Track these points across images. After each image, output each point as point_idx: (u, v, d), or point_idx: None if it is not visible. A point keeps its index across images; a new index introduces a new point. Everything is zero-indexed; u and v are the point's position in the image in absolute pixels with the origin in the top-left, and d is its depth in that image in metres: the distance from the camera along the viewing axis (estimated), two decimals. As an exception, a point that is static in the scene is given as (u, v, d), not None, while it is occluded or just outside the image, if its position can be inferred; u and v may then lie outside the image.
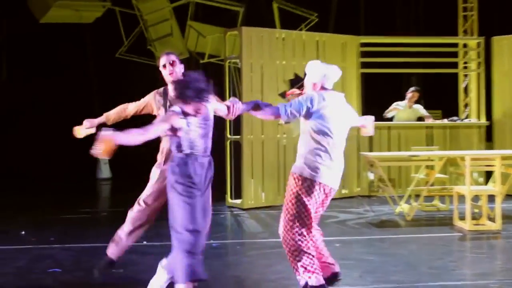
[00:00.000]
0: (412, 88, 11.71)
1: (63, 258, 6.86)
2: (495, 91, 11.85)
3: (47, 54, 14.28)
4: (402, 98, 11.68)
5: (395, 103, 11.59)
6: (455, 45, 12.44)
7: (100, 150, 4.44)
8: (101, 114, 5.92)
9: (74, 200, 10.99)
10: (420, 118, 11.80)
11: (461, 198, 8.90)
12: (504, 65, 11.69)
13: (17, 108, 14.33)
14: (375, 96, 14.14)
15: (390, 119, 11.64)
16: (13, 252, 7.16)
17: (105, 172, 14.09)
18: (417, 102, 11.72)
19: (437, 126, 11.71)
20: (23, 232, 8.15)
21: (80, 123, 5.85)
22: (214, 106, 5.07)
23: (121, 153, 14.84)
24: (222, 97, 10.37)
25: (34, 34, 13.90)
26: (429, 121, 11.64)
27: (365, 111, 12.14)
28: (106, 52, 14.04)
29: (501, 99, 11.74)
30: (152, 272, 5.59)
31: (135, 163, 13.73)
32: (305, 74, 11.08)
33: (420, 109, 11.73)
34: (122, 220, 5.87)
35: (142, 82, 15.16)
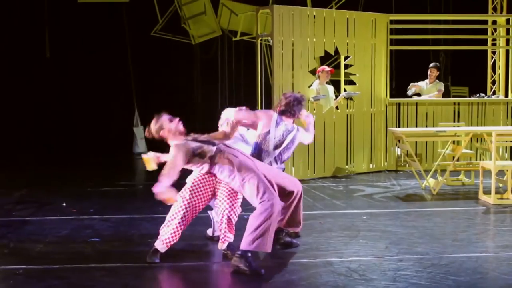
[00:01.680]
0: (430, 65, 11.68)
1: (102, 229, 7.03)
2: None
3: (86, 33, 14.44)
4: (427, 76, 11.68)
5: (412, 83, 11.65)
6: (484, 22, 12.30)
7: None
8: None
9: (112, 174, 11.16)
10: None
11: (486, 173, 8.90)
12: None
13: (60, 84, 14.55)
14: (404, 72, 14.06)
15: (417, 95, 11.62)
16: (56, 222, 7.35)
17: (141, 146, 14.25)
18: (439, 78, 11.69)
19: (464, 102, 11.65)
20: (64, 204, 8.33)
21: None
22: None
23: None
24: (254, 74, 10.47)
25: (73, 14, 14.07)
26: (431, 97, 11.54)
27: (394, 87, 12.16)
28: (142, 31, 14.15)
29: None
30: (185, 241, 5.71)
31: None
32: (335, 51, 11.12)
33: (441, 86, 11.69)
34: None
35: (176, 59, 15.30)
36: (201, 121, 15.37)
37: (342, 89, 11.03)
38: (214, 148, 5.66)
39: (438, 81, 11.68)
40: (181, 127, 5.82)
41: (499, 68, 12.16)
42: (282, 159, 6.19)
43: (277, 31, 10.01)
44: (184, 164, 5.62)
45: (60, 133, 14.35)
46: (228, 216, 5.70)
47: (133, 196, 9.27)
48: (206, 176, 5.80)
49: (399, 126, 11.21)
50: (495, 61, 12.36)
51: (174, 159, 5.55)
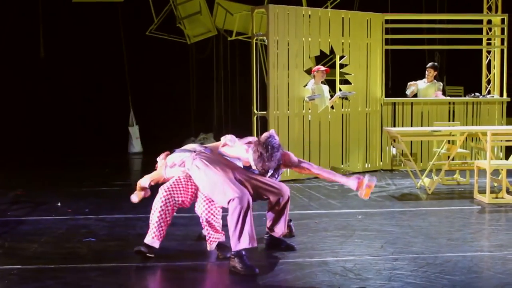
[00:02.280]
0: (428, 65, 11.71)
1: (97, 228, 7.02)
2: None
3: (81, 33, 14.42)
4: (423, 75, 11.69)
5: (410, 83, 11.68)
6: (479, 21, 12.32)
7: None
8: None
9: (107, 173, 11.16)
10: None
11: (481, 172, 8.92)
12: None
13: (55, 84, 14.52)
14: (400, 72, 14.08)
15: (415, 96, 11.64)
16: (51, 222, 7.34)
17: (136, 146, 14.25)
18: (436, 78, 11.71)
19: (459, 101, 11.67)
20: (59, 204, 8.32)
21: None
22: None
23: (151, 129, 14.98)
24: (249, 73, 10.47)
25: (68, 13, 14.03)
26: (439, 97, 11.59)
27: (390, 87, 12.17)
28: (137, 30, 14.13)
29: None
30: (179, 241, 5.73)
31: (164, 138, 13.92)
32: (330, 51, 11.13)
33: (439, 86, 11.72)
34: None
35: (171, 58, 15.28)
36: (196, 120, 15.39)
37: (337, 89, 11.04)
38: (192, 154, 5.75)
39: (435, 81, 11.69)
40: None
41: (494, 68, 12.18)
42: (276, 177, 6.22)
43: (273, 30, 10.01)
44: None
45: (55, 133, 14.32)
46: (207, 219, 5.77)
47: (129, 195, 9.22)
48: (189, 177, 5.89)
49: (394, 126, 11.22)
50: (490, 60, 12.38)
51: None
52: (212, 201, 5.80)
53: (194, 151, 5.87)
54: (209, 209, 5.81)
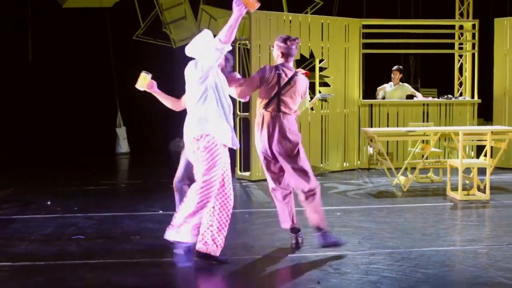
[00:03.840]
0: (393, 68, 11.73)
1: (86, 226, 6.99)
2: (496, 70, 11.68)
3: (69, 37, 14.31)
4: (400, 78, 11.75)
5: (378, 87, 11.74)
6: (451, 27, 12.41)
7: None
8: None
9: (95, 173, 11.11)
10: (411, 96, 11.83)
11: (454, 170, 8.98)
12: (505, 45, 11.48)
13: (43, 87, 14.40)
14: (376, 75, 14.13)
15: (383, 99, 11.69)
16: (40, 220, 7.29)
17: (123, 147, 14.19)
18: (401, 80, 11.75)
19: (433, 103, 11.74)
20: (49, 202, 8.27)
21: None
22: None
23: (138, 130, 14.88)
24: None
25: (56, 18, 13.91)
26: (420, 98, 11.69)
27: (365, 89, 12.22)
28: (124, 35, 14.06)
29: (501, 78, 11.58)
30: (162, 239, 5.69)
31: (151, 138, 13.88)
32: (310, 55, 11.15)
33: (408, 88, 11.76)
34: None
35: (157, 62, 15.23)
36: (181, 121, 15.33)
37: (317, 91, 11.06)
38: None
39: (401, 83, 11.74)
40: None
41: (466, 71, 12.28)
42: None
43: (255, 35, 10.02)
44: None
45: (44, 134, 14.20)
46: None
47: (116, 194, 9.23)
48: None
49: (371, 126, 11.28)
50: (462, 64, 12.47)
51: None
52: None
53: None
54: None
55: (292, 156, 5.87)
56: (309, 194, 5.89)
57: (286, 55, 6.02)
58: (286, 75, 5.95)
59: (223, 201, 5.41)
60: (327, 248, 5.85)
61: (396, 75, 11.61)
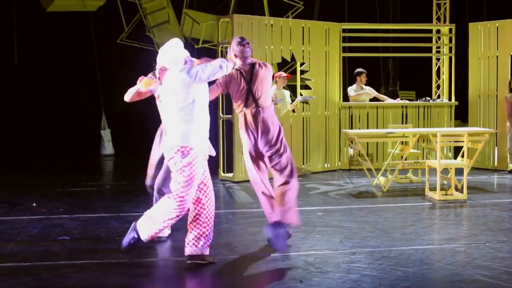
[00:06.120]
0: (363, 70, 11.64)
1: (71, 227, 6.95)
2: (471, 73, 11.77)
3: (54, 41, 14.21)
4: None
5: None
6: (429, 31, 12.50)
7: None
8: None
9: (80, 175, 11.05)
10: (376, 99, 11.77)
11: (432, 171, 9.05)
12: (480, 49, 11.58)
13: (28, 90, 14.28)
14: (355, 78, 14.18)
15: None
16: (26, 222, 7.24)
17: (108, 149, 14.12)
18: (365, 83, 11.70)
19: (411, 105, 11.82)
20: (34, 204, 8.22)
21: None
22: None
23: (123, 132, 14.81)
24: (215, 80, 10.43)
25: (42, 22, 13.81)
26: (388, 101, 11.65)
27: (346, 92, 12.26)
28: (109, 38, 13.99)
29: (476, 81, 11.68)
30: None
31: (135, 140, 13.81)
32: (291, 58, 11.18)
33: (372, 91, 11.73)
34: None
35: (141, 65, 15.16)
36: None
37: (298, 94, 11.10)
38: None
39: (364, 86, 11.65)
40: None
41: (443, 74, 12.37)
42: None
43: (237, 39, 10.00)
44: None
45: (29, 137, 14.09)
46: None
47: (101, 196, 9.18)
48: None
49: (351, 128, 11.32)
50: (439, 67, 12.56)
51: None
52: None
53: None
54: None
55: (275, 144, 6.03)
56: (285, 182, 6.04)
57: (240, 57, 6.13)
58: (245, 71, 6.08)
59: (205, 205, 5.41)
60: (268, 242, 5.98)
61: (360, 79, 11.55)
